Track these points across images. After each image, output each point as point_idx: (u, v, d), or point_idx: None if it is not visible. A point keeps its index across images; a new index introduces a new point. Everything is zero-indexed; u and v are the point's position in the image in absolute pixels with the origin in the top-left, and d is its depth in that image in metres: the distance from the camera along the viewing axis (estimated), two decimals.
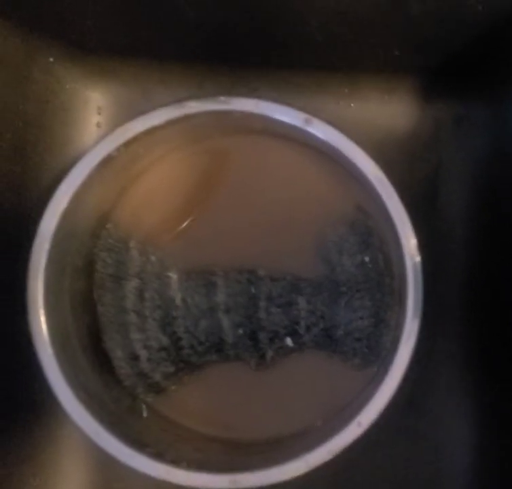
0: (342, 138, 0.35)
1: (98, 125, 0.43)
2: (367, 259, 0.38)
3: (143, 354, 0.38)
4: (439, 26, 0.35)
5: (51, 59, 0.40)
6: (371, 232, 0.38)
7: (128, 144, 0.35)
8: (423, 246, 0.33)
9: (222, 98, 0.35)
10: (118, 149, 0.35)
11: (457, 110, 0.41)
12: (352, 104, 0.41)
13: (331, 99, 0.42)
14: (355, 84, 0.41)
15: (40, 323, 0.35)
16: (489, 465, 0.40)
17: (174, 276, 0.39)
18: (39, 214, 0.35)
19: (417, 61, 0.39)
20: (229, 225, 0.39)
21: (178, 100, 0.35)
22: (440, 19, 0.35)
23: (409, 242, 0.34)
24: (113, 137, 0.35)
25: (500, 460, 0.39)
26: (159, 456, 0.35)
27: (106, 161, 0.36)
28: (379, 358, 0.37)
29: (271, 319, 0.38)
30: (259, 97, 0.35)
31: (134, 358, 0.38)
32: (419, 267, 0.33)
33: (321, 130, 0.35)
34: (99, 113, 0.43)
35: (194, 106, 0.35)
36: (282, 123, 0.35)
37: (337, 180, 0.38)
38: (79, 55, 0.41)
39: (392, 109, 0.41)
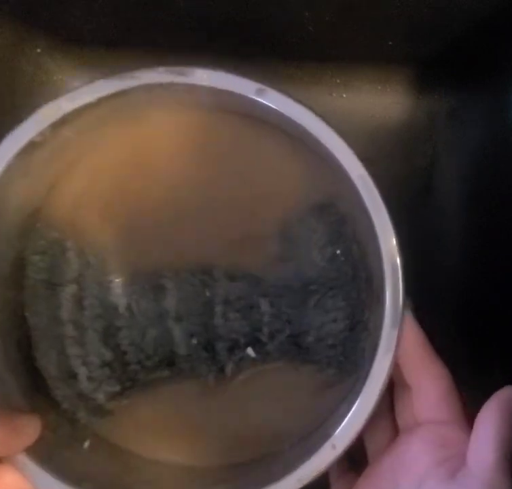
0: (303, 111, 0.32)
1: None
2: (338, 251, 0.35)
3: (82, 371, 0.35)
4: (434, 17, 0.37)
5: (39, 50, 0.41)
6: (344, 221, 0.35)
7: (54, 127, 0.33)
8: (414, 238, 0.34)
9: (160, 69, 0.33)
10: (43, 134, 0.33)
11: (451, 101, 0.42)
12: (344, 95, 0.42)
13: (324, 90, 0.43)
14: (348, 75, 0.42)
15: None
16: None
17: (116, 279, 0.36)
18: None
19: (411, 52, 0.41)
20: (179, 218, 0.36)
21: (112, 74, 0.33)
22: (435, 9, 0.36)
23: (388, 242, 0.31)
24: (34, 120, 0.33)
25: None
26: None
27: (30, 149, 0.33)
28: (358, 368, 0.34)
29: (230, 326, 0.35)
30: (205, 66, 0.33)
31: (72, 376, 0.35)
32: (398, 270, 0.31)
33: (277, 101, 0.32)
34: None
35: (130, 80, 0.33)
36: (231, 95, 0.33)
37: (303, 162, 0.35)
38: (67, 46, 0.41)
39: (386, 100, 0.42)
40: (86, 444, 0.35)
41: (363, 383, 0.30)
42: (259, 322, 0.35)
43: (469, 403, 0.32)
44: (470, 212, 0.42)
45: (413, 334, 0.31)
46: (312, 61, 0.42)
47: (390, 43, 0.40)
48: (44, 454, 0.32)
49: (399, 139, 0.42)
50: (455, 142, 0.42)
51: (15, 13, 0.38)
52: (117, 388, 0.36)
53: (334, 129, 0.32)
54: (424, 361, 0.32)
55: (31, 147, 0.33)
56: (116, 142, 0.36)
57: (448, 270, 0.41)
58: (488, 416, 0.27)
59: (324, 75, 0.42)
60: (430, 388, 0.31)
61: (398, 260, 0.31)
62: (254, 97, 0.32)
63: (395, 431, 0.34)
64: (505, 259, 0.39)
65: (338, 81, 0.42)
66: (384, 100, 0.42)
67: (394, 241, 0.31)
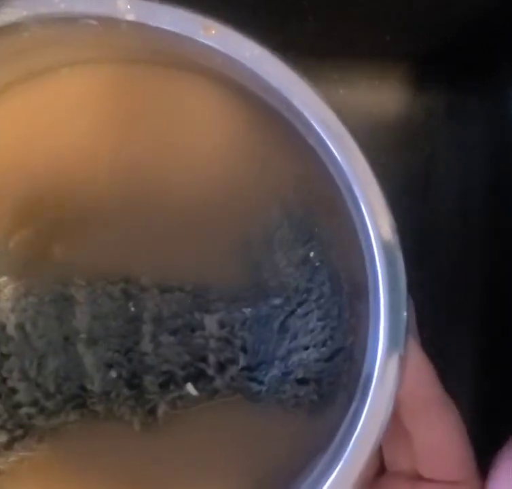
0: (268, 59, 0.24)
1: None
2: (312, 253, 0.26)
3: None
4: (433, 12, 0.36)
5: None
6: (318, 212, 0.26)
7: None
8: (412, 235, 0.34)
9: None
10: None
11: (450, 97, 0.41)
12: (341, 91, 0.41)
13: (321, 86, 0.38)
14: (345, 70, 0.41)
15: None
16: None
17: (5, 288, 0.26)
18: None
19: (409, 47, 0.40)
20: (96, 208, 0.27)
21: None
22: (434, 5, 0.36)
23: (381, 222, 0.22)
24: None
25: None
26: None
27: None
28: (336, 409, 0.26)
29: (163, 354, 0.26)
30: None
31: None
32: (400, 270, 0.22)
33: (230, 43, 0.23)
34: None
35: (14, 11, 0.23)
36: (169, 38, 0.24)
37: (267, 135, 0.26)
38: None
39: (383, 96, 0.42)
40: None
41: (347, 438, 0.22)
42: (203, 349, 0.26)
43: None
44: (469, 209, 0.40)
45: (419, 366, 0.23)
46: (309, 56, 0.38)
47: (388, 38, 0.39)
48: None
49: (397, 135, 0.41)
50: (454, 139, 0.41)
51: None
52: (3, 438, 0.26)
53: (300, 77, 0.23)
54: (431, 405, 0.24)
55: None
56: (13, 103, 0.26)
57: (447, 267, 0.40)
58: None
59: (321, 71, 0.41)
60: (438, 441, 0.24)
61: (398, 256, 0.22)
62: (198, 38, 0.23)
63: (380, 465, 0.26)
64: (506, 257, 0.38)
65: (335, 76, 0.41)
66: (382, 96, 0.41)
67: (389, 229, 0.22)
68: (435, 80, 0.42)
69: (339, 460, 0.22)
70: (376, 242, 0.22)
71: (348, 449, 0.22)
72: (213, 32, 0.23)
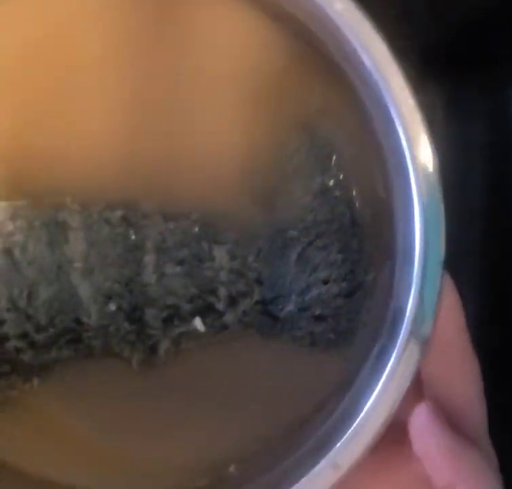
0: None
1: None
2: (331, 182, 0.24)
3: None
4: (433, 9, 0.36)
5: None
6: (341, 141, 0.24)
7: None
8: None
9: None
10: None
11: (449, 97, 0.41)
12: None
13: None
14: None
15: None
16: None
17: None
18: None
19: (409, 46, 0.36)
20: (95, 123, 0.24)
21: None
22: (433, 3, 0.36)
23: (419, 147, 0.21)
24: None
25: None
26: None
27: None
28: (355, 352, 0.24)
29: (167, 285, 0.24)
30: None
31: None
32: (437, 189, 0.21)
33: None
34: None
35: None
36: None
37: (293, 53, 0.24)
38: None
39: None
40: None
41: (374, 378, 0.21)
42: (213, 281, 0.24)
43: None
44: (469, 208, 0.40)
45: (451, 307, 0.22)
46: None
47: (387, 35, 0.35)
48: None
49: None
50: (454, 136, 0.40)
51: None
52: None
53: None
54: (455, 354, 0.22)
55: None
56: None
57: (447, 268, 0.38)
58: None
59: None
60: (455, 393, 0.22)
61: (436, 182, 0.21)
62: None
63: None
64: (506, 257, 0.38)
65: None
66: None
67: (426, 143, 0.21)
68: (435, 79, 0.41)
69: (366, 400, 0.20)
70: (413, 167, 0.21)
71: (377, 389, 0.20)
72: None
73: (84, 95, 0.24)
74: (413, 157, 0.21)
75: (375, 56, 0.21)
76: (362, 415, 0.20)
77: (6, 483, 0.24)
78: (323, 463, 0.20)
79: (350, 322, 0.24)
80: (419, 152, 0.20)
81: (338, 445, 0.20)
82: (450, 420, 0.22)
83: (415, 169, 0.20)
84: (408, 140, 0.21)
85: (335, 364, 0.24)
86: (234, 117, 0.24)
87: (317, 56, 0.23)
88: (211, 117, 0.24)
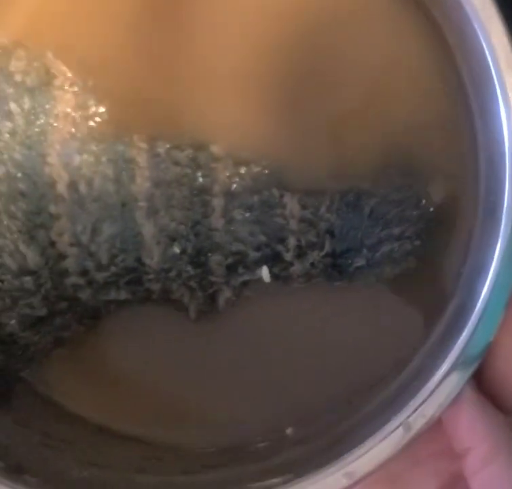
0: None
1: None
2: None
3: None
4: None
5: None
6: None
7: None
8: None
9: None
10: None
11: None
12: None
13: None
14: None
15: None
16: None
17: (57, 135, 0.23)
18: None
19: None
20: (178, 65, 0.24)
21: None
22: None
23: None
24: None
25: None
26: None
27: None
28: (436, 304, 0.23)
29: (235, 231, 0.23)
30: None
31: None
32: None
33: None
34: None
35: None
36: None
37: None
38: None
39: None
40: None
41: (456, 331, 0.20)
42: (283, 229, 0.23)
43: None
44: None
45: None
46: None
47: None
48: None
49: None
50: None
51: None
52: (42, 311, 0.23)
53: None
54: None
55: None
56: None
57: None
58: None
59: None
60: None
61: None
62: None
63: None
64: None
65: None
66: None
67: None
68: None
69: (441, 361, 0.20)
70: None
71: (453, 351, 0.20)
72: None
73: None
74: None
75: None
76: (438, 374, 0.20)
77: (64, 427, 0.23)
78: (393, 423, 0.20)
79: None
80: None
81: (409, 404, 0.20)
82: (502, 395, 0.21)
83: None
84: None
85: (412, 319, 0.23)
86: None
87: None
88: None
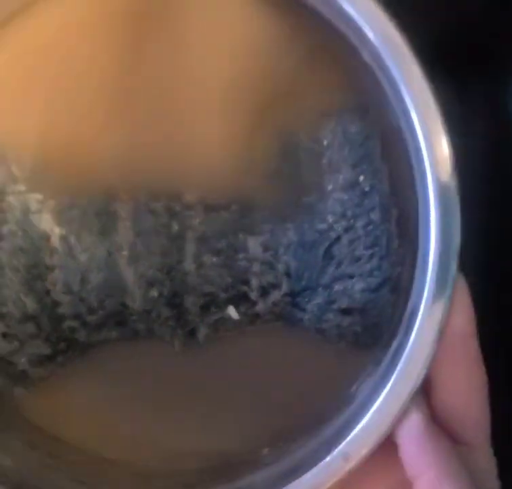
0: None
1: None
2: (361, 177, 0.25)
3: None
4: (433, 9, 0.36)
5: None
6: (370, 132, 0.26)
7: None
8: None
9: None
10: None
11: (450, 95, 0.36)
12: None
13: None
14: None
15: None
16: None
17: (49, 200, 0.27)
18: None
19: (410, 40, 0.36)
20: (137, 118, 0.27)
21: None
22: (434, 2, 0.36)
23: (437, 150, 0.21)
24: None
25: None
26: None
27: None
28: (380, 342, 0.25)
29: (205, 275, 0.26)
30: None
31: None
32: (453, 191, 0.21)
33: None
34: None
35: None
36: None
37: (314, 42, 0.26)
38: None
39: None
40: None
41: (390, 368, 0.22)
42: (247, 271, 0.26)
43: None
44: (470, 206, 0.38)
45: (464, 315, 0.22)
46: None
47: None
48: None
49: None
50: (455, 137, 0.37)
51: None
52: (46, 350, 0.27)
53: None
54: (461, 356, 0.23)
55: None
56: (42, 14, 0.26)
57: None
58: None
59: None
60: (458, 396, 0.23)
61: (453, 183, 0.21)
62: None
63: None
64: (505, 256, 0.38)
65: None
66: None
67: (445, 155, 0.21)
68: (434, 75, 0.41)
69: (384, 385, 0.22)
70: (431, 170, 0.22)
71: (401, 365, 0.22)
72: None
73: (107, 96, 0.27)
74: (430, 156, 0.22)
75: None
76: (373, 409, 0.22)
77: (63, 455, 0.27)
78: (335, 453, 0.22)
79: (375, 317, 0.25)
80: (436, 150, 0.21)
81: (351, 436, 0.22)
82: (450, 425, 0.23)
83: (432, 174, 0.22)
84: (425, 137, 0.22)
85: (359, 357, 0.25)
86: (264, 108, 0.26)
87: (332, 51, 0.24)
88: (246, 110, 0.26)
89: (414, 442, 0.22)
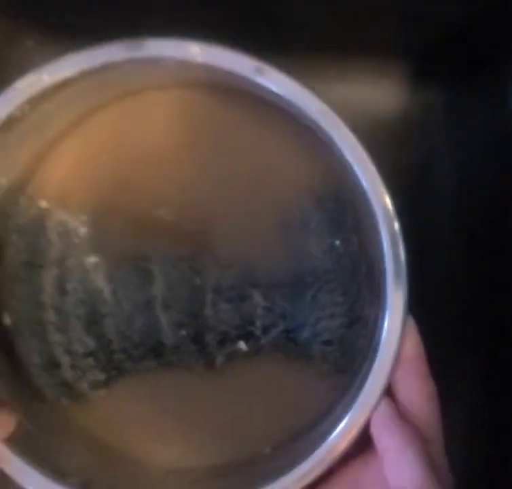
0: (301, 91, 0.31)
1: None
2: (337, 242, 0.34)
3: (65, 360, 0.35)
4: (430, 8, 0.37)
5: (30, 43, 0.40)
6: (343, 209, 0.34)
7: (33, 101, 0.32)
8: (413, 232, 0.33)
9: (150, 41, 0.31)
10: (21, 108, 0.32)
11: (448, 94, 0.42)
12: (340, 88, 0.43)
13: (319, 82, 0.40)
14: (343, 67, 0.42)
15: None
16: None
17: (102, 263, 0.36)
18: None
19: (407, 44, 0.41)
20: (168, 201, 0.35)
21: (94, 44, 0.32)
22: (431, 1, 0.37)
23: (391, 228, 0.30)
24: (13, 93, 0.32)
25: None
26: (84, 486, 0.32)
27: (8, 124, 0.32)
28: (355, 365, 0.34)
29: (220, 317, 0.35)
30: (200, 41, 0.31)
31: (55, 365, 0.35)
32: (399, 243, 0.30)
33: (275, 81, 0.31)
34: None
35: (114, 53, 0.31)
36: (227, 74, 0.32)
37: (301, 144, 0.34)
38: (59, 39, 0.40)
39: (382, 93, 0.43)
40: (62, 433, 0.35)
41: (362, 383, 0.30)
42: (252, 314, 0.34)
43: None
44: (468, 206, 0.42)
45: (413, 343, 0.30)
46: (307, 53, 0.42)
47: (386, 36, 0.40)
48: (25, 445, 0.32)
49: (395, 132, 0.43)
50: (452, 136, 0.42)
51: (8, 4, 0.38)
52: (102, 377, 0.35)
53: (334, 111, 0.30)
54: (418, 380, 0.30)
55: (10, 122, 0.32)
56: (102, 119, 0.35)
57: (445, 262, 0.42)
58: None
59: (320, 68, 0.42)
60: (412, 397, 0.30)
61: (401, 249, 0.30)
62: (252, 77, 0.31)
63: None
64: (504, 254, 0.40)
65: (334, 74, 0.42)
66: (380, 93, 0.43)
67: (396, 227, 0.30)
68: (433, 77, 0.42)
69: (355, 397, 0.30)
70: (384, 235, 0.30)
71: (364, 387, 0.30)
72: (264, 73, 0.31)
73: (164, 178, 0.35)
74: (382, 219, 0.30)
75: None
76: (351, 411, 0.30)
77: (76, 442, 0.35)
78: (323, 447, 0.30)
79: (350, 347, 0.34)
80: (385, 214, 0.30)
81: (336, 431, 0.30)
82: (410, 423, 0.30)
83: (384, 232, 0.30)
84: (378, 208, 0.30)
85: (337, 377, 0.34)
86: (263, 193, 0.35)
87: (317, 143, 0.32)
88: (251, 197, 0.35)
89: (382, 423, 0.29)
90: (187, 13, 0.38)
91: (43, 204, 0.36)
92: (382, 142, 0.42)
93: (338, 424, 0.30)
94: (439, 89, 0.43)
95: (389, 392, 0.30)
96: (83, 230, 0.36)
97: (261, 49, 0.37)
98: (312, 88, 0.31)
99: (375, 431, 0.29)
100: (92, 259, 0.35)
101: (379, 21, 0.39)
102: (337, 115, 0.30)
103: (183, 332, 0.35)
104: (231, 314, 0.34)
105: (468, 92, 0.42)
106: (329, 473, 0.30)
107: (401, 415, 0.30)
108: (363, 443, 0.30)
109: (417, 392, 0.30)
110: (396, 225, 0.30)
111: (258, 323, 0.34)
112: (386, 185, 0.30)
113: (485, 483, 0.38)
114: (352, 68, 0.42)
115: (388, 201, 0.30)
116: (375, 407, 0.30)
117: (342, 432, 0.30)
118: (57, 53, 0.39)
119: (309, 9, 0.38)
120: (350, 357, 0.34)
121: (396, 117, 0.42)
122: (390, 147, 0.42)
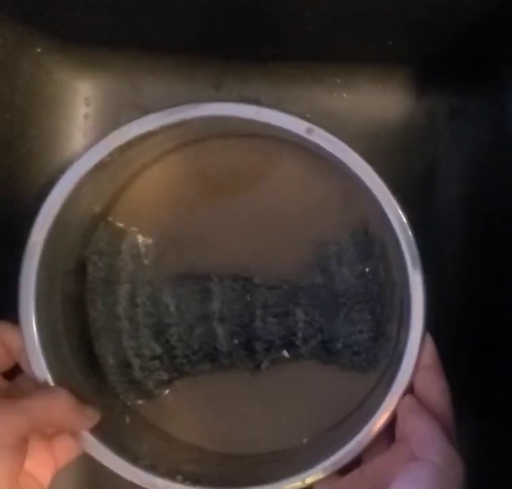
0: (345, 149, 0.38)
1: (86, 116, 0.46)
2: (367, 269, 0.41)
3: (136, 362, 0.42)
4: (434, 15, 0.37)
5: (39, 50, 0.43)
6: (372, 241, 0.41)
7: (121, 149, 0.39)
8: (416, 236, 0.36)
9: (221, 103, 0.38)
10: (111, 155, 0.39)
11: (452, 101, 0.43)
12: (344, 95, 0.44)
13: (324, 90, 0.44)
14: (348, 75, 0.43)
15: (31, 328, 0.38)
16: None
17: (167, 281, 0.43)
18: (30, 212, 0.38)
19: (412, 51, 0.42)
20: (225, 230, 0.42)
21: (176, 105, 0.38)
22: (435, 8, 0.37)
23: (414, 267, 0.36)
24: (106, 143, 0.38)
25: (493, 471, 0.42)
26: (153, 468, 0.38)
27: (99, 167, 0.39)
28: (378, 370, 0.41)
29: (267, 329, 0.42)
30: (258, 102, 0.38)
31: (127, 366, 0.42)
32: (419, 278, 0.36)
33: (324, 140, 0.38)
34: (87, 105, 0.46)
35: (191, 112, 0.38)
36: (282, 130, 0.39)
37: (338, 187, 0.41)
38: (67, 45, 0.43)
39: (386, 100, 0.43)
40: (127, 420, 0.42)
41: (389, 383, 0.36)
42: (294, 327, 0.41)
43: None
44: (471, 212, 0.43)
45: (430, 353, 0.37)
46: (312, 61, 0.43)
47: (391, 42, 0.40)
48: (106, 434, 0.39)
49: (399, 139, 0.43)
50: (456, 142, 0.43)
51: (16, 12, 0.40)
52: (165, 377, 0.42)
53: (373, 168, 0.37)
54: (433, 380, 0.36)
55: (100, 165, 0.39)
56: (174, 159, 0.42)
57: (451, 269, 0.44)
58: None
59: (324, 75, 0.43)
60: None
61: (421, 287, 0.36)
62: (303, 135, 0.38)
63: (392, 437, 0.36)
64: (508, 258, 0.41)
65: (338, 80, 0.43)
66: (385, 100, 0.43)
67: (419, 264, 0.37)
68: (438, 83, 0.43)
69: (383, 396, 0.37)
70: (410, 268, 0.37)
71: (390, 388, 0.36)
72: (312, 132, 0.38)
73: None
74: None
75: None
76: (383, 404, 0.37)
77: (143, 431, 0.42)
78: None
79: (375, 356, 0.41)
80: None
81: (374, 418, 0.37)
82: None
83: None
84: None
85: (363, 380, 0.41)
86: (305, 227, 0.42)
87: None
88: (294, 230, 0.42)
89: (409, 408, 0.35)
90: (197, 24, 0.40)
91: (120, 227, 0.42)
92: (387, 148, 0.43)
93: (372, 415, 0.36)
94: (443, 97, 0.43)
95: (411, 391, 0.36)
96: (152, 253, 0.43)
97: (267, 59, 0.43)
98: (356, 148, 0.37)
99: (402, 415, 0.35)
100: (160, 279, 0.42)
101: (383, 29, 0.39)
102: (373, 169, 0.37)
103: (236, 341, 0.42)
104: (277, 326, 0.42)
105: (472, 99, 0.43)
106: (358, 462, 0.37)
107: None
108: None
109: (433, 390, 0.36)
110: (419, 264, 0.36)
111: (299, 335, 0.41)
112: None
113: (486, 483, 0.40)
114: (357, 77, 0.43)
115: (410, 234, 0.37)
116: (402, 398, 0.36)
117: (375, 420, 0.36)
118: (65, 60, 0.44)
119: (314, 18, 0.38)
120: (373, 365, 0.41)
121: (401, 124, 0.43)
122: (395, 152, 0.43)
